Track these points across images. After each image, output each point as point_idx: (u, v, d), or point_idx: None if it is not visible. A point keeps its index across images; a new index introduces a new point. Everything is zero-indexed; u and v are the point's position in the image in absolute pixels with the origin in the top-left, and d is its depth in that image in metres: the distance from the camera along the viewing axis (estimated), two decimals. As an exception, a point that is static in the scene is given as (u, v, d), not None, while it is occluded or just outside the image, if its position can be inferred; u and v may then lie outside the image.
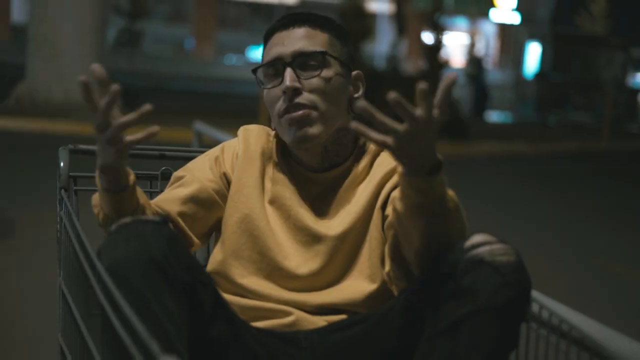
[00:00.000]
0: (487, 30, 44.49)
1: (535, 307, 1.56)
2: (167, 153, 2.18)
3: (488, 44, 44.62)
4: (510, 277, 1.52)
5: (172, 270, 1.53)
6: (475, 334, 1.51)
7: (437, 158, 1.59)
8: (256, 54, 39.75)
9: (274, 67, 1.91)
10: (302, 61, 1.89)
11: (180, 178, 1.98)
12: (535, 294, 1.57)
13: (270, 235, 1.90)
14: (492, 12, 39.92)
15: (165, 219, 1.61)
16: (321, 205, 1.94)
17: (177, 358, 1.03)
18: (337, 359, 1.75)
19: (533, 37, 25.50)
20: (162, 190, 2.09)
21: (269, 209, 1.93)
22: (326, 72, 1.90)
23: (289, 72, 1.87)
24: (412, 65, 27.96)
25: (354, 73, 1.99)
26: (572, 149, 16.09)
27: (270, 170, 1.97)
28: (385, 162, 1.95)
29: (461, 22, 43.14)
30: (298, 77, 1.88)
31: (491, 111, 23.59)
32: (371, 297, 1.85)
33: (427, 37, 19.68)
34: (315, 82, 1.88)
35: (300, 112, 1.85)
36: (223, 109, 13.91)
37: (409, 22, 33.35)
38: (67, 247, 1.80)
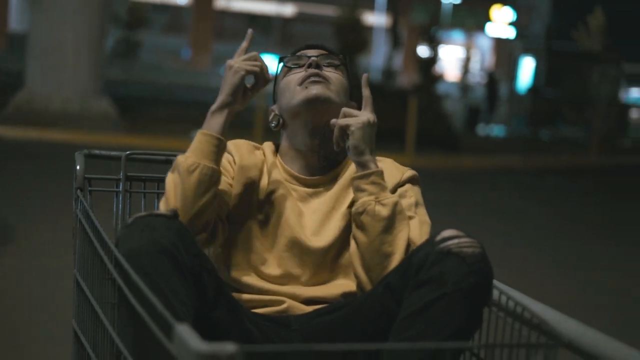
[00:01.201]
0: (483, 44, 44.77)
1: (495, 293, 1.77)
2: (171, 158, 2.38)
3: (483, 58, 44.89)
4: (475, 266, 1.74)
5: (180, 258, 1.75)
6: (444, 314, 1.74)
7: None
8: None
9: (300, 59, 2.23)
10: (326, 58, 2.23)
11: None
12: (495, 281, 1.78)
13: (260, 246, 2.12)
14: (488, 26, 40.18)
15: (175, 213, 1.82)
16: (311, 212, 2.16)
17: (189, 327, 1.23)
18: (323, 338, 1.96)
19: (527, 51, 25.74)
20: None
21: (261, 218, 2.14)
22: (342, 73, 2.23)
23: (313, 58, 2.19)
24: (407, 79, 28.20)
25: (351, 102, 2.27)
26: (562, 163, 16.32)
27: (264, 181, 2.19)
28: None
29: (457, 35, 43.39)
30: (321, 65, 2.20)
31: (485, 125, 23.84)
32: (356, 294, 2.07)
33: (423, 51, 19.93)
34: (332, 71, 2.21)
35: (319, 77, 2.16)
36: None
37: (406, 36, 33.62)
38: (83, 241, 2.01)
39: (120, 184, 2.27)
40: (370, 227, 1.99)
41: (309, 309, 2.04)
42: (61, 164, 9.47)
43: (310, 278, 2.10)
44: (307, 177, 2.19)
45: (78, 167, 2.19)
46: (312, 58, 2.18)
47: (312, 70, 2.16)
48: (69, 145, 10.99)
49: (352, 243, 2.04)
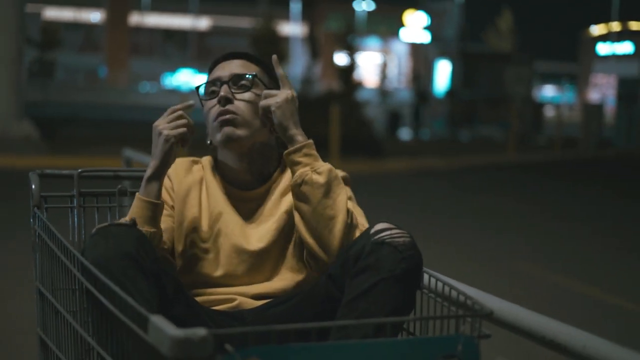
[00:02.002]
0: (400, 49, 45.41)
1: (425, 277, 2.00)
2: (120, 173, 2.55)
3: (400, 63, 45.52)
4: (406, 253, 1.96)
5: (142, 262, 1.92)
6: (383, 297, 1.94)
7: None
8: (170, 80, 39.77)
9: (214, 85, 2.36)
10: (236, 81, 2.34)
11: None
12: (425, 267, 2.00)
13: (206, 257, 2.29)
14: (402, 32, 40.76)
15: (134, 222, 2.00)
16: (252, 220, 2.34)
17: (162, 317, 1.40)
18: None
19: (443, 55, 26.27)
20: (119, 205, 2.45)
21: (206, 231, 2.31)
22: (255, 91, 2.34)
23: (224, 87, 2.32)
24: (326, 87, 28.49)
25: None
26: (480, 162, 16.78)
27: (205, 195, 2.36)
28: None
29: (374, 42, 43.91)
30: (232, 92, 2.32)
31: (410, 129, 24.26)
32: (299, 286, 2.27)
33: (340, 58, 20.23)
34: (244, 96, 2.33)
35: (228, 116, 2.29)
36: (143, 136, 14.19)
37: (323, 44, 33.95)
38: (44, 254, 2.16)
39: (75, 200, 2.42)
40: (311, 195, 2.17)
41: (259, 303, 2.23)
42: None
43: (256, 277, 2.28)
44: (243, 191, 2.36)
45: (34, 186, 2.34)
46: (221, 94, 2.29)
47: (221, 109, 2.28)
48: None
49: (296, 215, 2.21)
